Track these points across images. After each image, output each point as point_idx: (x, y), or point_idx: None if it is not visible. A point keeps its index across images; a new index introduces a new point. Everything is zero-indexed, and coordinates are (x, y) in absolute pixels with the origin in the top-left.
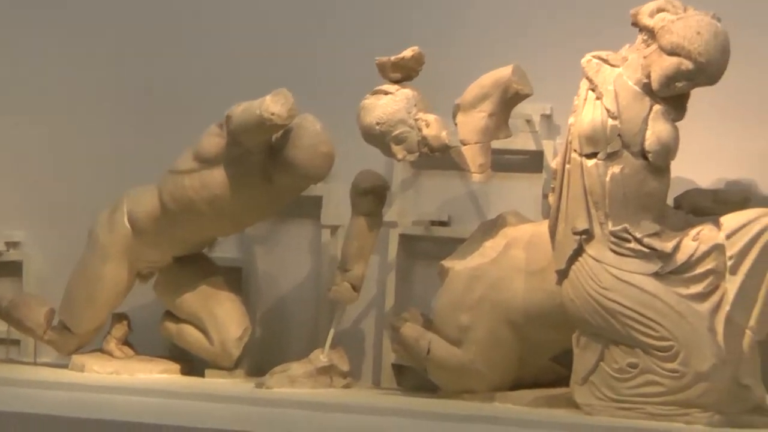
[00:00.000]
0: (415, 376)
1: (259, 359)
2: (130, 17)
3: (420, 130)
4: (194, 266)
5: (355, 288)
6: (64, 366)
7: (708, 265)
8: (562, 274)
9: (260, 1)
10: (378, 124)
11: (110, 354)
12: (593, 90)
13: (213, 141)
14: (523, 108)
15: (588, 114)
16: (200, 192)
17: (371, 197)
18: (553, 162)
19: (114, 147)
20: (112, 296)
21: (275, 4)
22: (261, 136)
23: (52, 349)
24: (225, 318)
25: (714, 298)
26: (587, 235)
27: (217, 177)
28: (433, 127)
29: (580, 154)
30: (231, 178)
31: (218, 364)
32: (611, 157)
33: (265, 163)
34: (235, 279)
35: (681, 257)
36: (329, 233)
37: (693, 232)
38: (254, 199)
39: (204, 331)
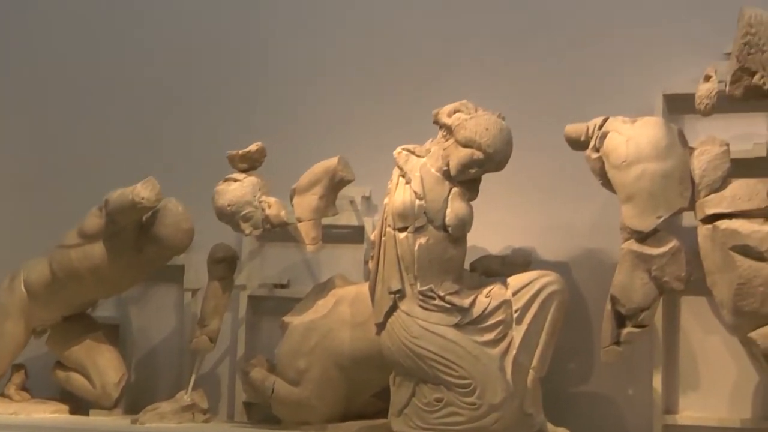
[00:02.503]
0: (262, 412)
1: (134, 400)
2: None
3: (263, 210)
4: (79, 324)
5: (212, 340)
6: None
7: (498, 317)
8: (381, 326)
9: (136, 96)
10: (229, 205)
11: (10, 398)
12: (403, 176)
13: (94, 221)
14: (347, 191)
15: (399, 196)
16: (83, 262)
17: (224, 265)
18: (372, 234)
19: (11, 225)
20: (11, 349)
21: (150, 96)
22: (133, 216)
23: None
24: (105, 366)
25: (503, 344)
26: (400, 294)
27: (97, 250)
28: (274, 207)
29: (394, 228)
30: (109, 251)
31: (100, 405)
32: (419, 230)
33: (137, 237)
34: (113, 333)
35: (476, 311)
36: (190, 295)
37: (486, 290)
38: (128, 268)
39: (88, 377)
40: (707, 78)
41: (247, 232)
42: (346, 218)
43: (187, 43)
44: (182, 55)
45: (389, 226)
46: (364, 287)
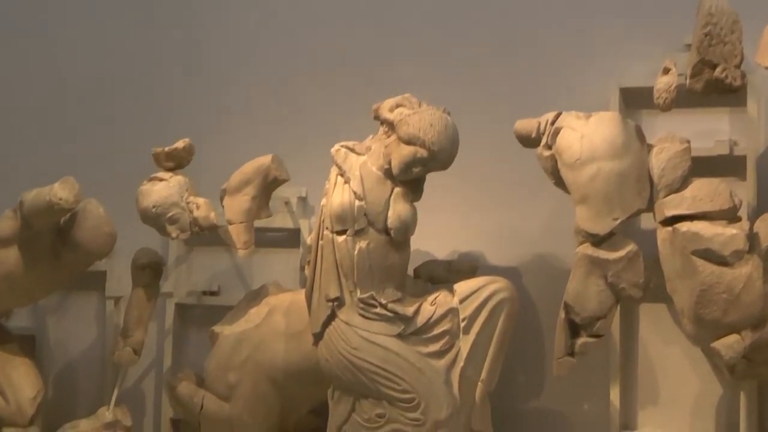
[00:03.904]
0: (190, 429)
1: (51, 417)
2: None
3: (191, 211)
4: None
5: (136, 352)
6: None
7: (444, 326)
8: (318, 337)
9: (54, 88)
10: (154, 207)
11: None
12: (342, 175)
13: (7, 224)
14: (281, 191)
15: (338, 196)
16: None
17: (149, 271)
18: (308, 238)
19: None
20: None
21: (69, 89)
22: (50, 219)
23: None
24: (20, 380)
25: (450, 356)
26: (339, 302)
27: (11, 255)
28: (202, 209)
29: (332, 231)
30: (24, 256)
31: (15, 422)
32: (358, 233)
33: (54, 242)
34: (29, 345)
35: (421, 320)
36: (113, 304)
37: (431, 297)
38: (45, 275)
39: (1, 392)
40: (666, 71)
41: (173, 235)
42: (280, 220)
43: (110, 35)
44: (105, 47)
45: (327, 228)
46: (300, 295)
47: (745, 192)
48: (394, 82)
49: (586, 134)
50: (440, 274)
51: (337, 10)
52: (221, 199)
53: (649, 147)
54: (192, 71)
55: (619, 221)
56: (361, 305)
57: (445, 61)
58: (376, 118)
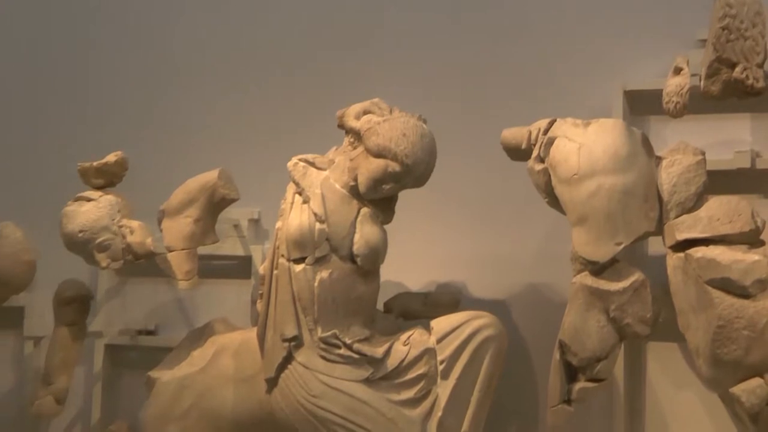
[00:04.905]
0: None
1: None
2: None
3: (124, 237)
4: None
5: (59, 401)
6: None
7: (419, 369)
8: (272, 383)
9: None
10: (81, 231)
11: None
12: (300, 194)
13: None
14: (230, 212)
15: (295, 218)
16: None
17: (74, 307)
18: (261, 267)
19: None
20: None
21: None
22: None
23: None
24: None
25: (426, 404)
26: (296, 341)
27: None
28: (137, 233)
29: (288, 259)
30: None
31: None
32: (319, 261)
33: None
34: None
35: (392, 362)
36: (32, 344)
37: (404, 336)
38: None
39: None
40: (677, 71)
41: (103, 264)
42: (229, 247)
43: (32, 40)
44: (27, 51)
45: (282, 256)
46: (252, 333)
47: None
48: (361, 85)
49: (585, 145)
50: (415, 309)
51: (296, 3)
52: (159, 222)
53: (658, 159)
54: (128, 77)
55: (623, 246)
56: (323, 345)
57: (421, 60)
58: (341, 126)
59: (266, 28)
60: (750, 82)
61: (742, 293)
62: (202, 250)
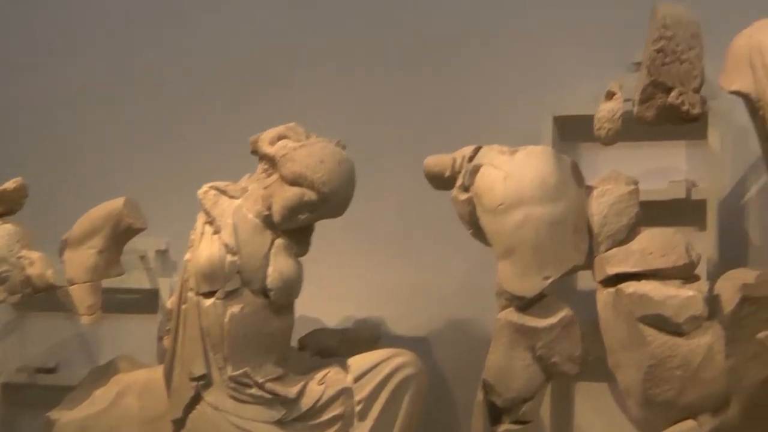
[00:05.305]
0: None
1: None
2: None
3: (23, 268)
4: None
5: None
6: None
7: (335, 410)
8: (179, 424)
9: None
10: None
11: None
12: (211, 223)
13: None
14: (136, 243)
15: (205, 249)
16: None
17: None
18: (168, 301)
19: None
20: None
21: None
22: None
23: None
24: None
25: None
26: (205, 380)
27: None
28: (37, 265)
29: (197, 293)
30: None
31: None
32: (230, 295)
33: None
34: None
35: (306, 402)
36: None
37: (319, 375)
38: None
39: None
40: (610, 96)
41: (0, 298)
42: (134, 279)
43: None
44: None
45: (191, 290)
46: (158, 372)
47: (704, 244)
48: (277, 109)
49: (512, 173)
50: (331, 346)
51: (212, 20)
52: (61, 253)
53: (589, 189)
54: (29, 99)
55: (551, 280)
56: (233, 385)
57: (341, 84)
58: (254, 152)
59: (175, 48)
60: (686, 108)
61: (676, 330)
62: (107, 282)
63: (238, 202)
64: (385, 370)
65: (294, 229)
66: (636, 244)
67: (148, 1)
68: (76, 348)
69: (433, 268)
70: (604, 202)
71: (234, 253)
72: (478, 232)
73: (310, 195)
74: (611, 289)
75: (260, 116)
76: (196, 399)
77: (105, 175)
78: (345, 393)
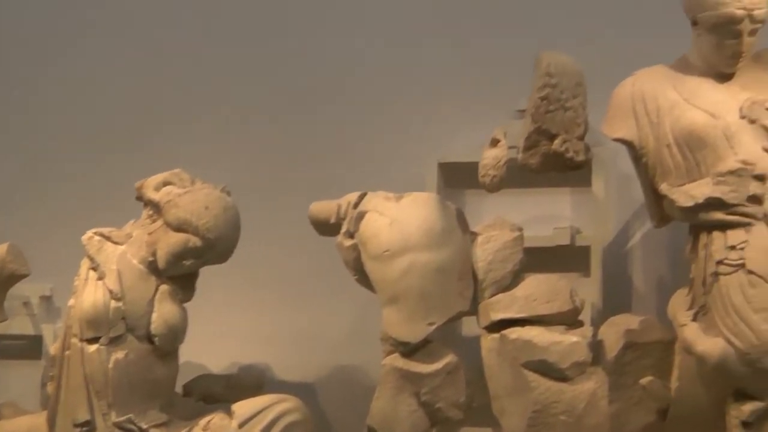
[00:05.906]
0: None
1: None
2: None
3: None
4: None
5: None
6: None
7: None
8: None
9: None
10: None
11: None
12: (95, 269)
13: None
14: (20, 289)
15: (89, 295)
16: None
17: None
18: (52, 348)
19: None
20: None
21: None
22: None
23: None
24: None
25: None
26: (89, 427)
27: None
28: None
29: (81, 339)
30: None
31: None
32: (114, 341)
33: None
34: None
35: None
36: None
37: (203, 421)
38: None
39: None
40: (494, 142)
41: None
42: (18, 325)
43: None
44: None
45: (75, 336)
46: (41, 418)
47: (588, 290)
48: (163, 155)
49: (397, 220)
50: (216, 392)
51: (104, 65)
52: None
53: (473, 235)
54: None
55: (435, 326)
56: (117, 431)
57: (226, 128)
58: (139, 198)
59: (61, 92)
60: (570, 155)
61: (560, 376)
62: None
63: (122, 248)
64: (270, 415)
65: (179, 275)
66: (520, 291)
67: (33, 43)
68: None
69: (319, 314)
70: (489, 248)
71: (118, 299)
72: (363, 278)
73: (195, 241)
74: (496, 335)
75: (146, 162)
76: None
77: None
78: None
